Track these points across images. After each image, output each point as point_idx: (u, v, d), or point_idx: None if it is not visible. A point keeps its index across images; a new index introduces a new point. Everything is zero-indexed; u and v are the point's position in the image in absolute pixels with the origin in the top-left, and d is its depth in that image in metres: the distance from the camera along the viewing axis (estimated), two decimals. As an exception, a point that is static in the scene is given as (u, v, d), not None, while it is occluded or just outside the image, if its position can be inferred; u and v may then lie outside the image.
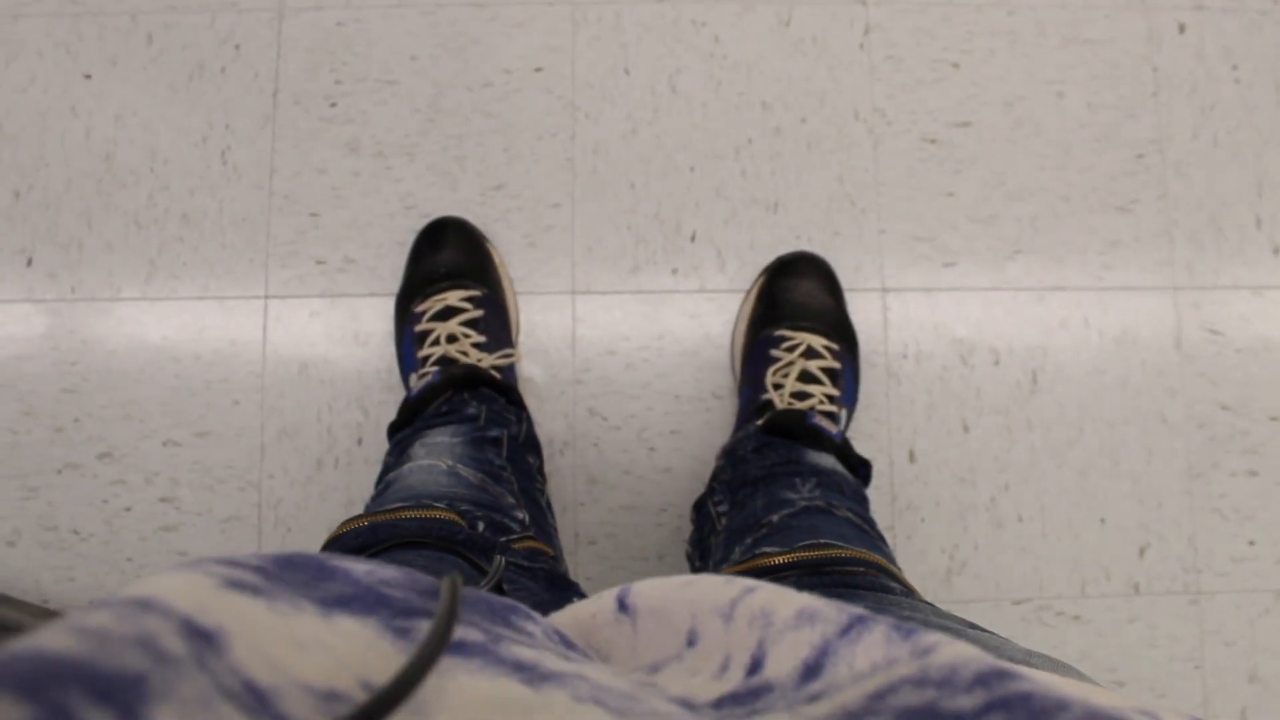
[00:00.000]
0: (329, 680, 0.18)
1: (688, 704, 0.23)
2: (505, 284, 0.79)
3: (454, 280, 0.74)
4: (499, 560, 0.36)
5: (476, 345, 0.72)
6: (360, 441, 0.80)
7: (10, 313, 0.80)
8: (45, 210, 0.81)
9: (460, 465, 0.58)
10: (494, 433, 0.64)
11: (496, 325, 0.74)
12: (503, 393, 0.70)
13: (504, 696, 0.20)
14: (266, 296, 0.81)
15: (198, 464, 0.79)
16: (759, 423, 0.68)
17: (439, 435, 0.62)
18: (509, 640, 0.23)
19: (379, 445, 0.79)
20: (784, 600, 0.24)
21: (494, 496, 0.56)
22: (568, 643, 0.27)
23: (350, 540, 0.45)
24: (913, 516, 0.81)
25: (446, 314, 0.73)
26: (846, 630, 0.22)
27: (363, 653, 0.20)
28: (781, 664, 0.23)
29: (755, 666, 0.24)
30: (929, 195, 0.83)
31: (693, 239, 0.82)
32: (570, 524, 0.79)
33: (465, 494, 0.54)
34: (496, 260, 0.79)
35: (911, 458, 0.81)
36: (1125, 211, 0.84)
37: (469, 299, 0.73)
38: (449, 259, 0.76)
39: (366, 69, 0.83)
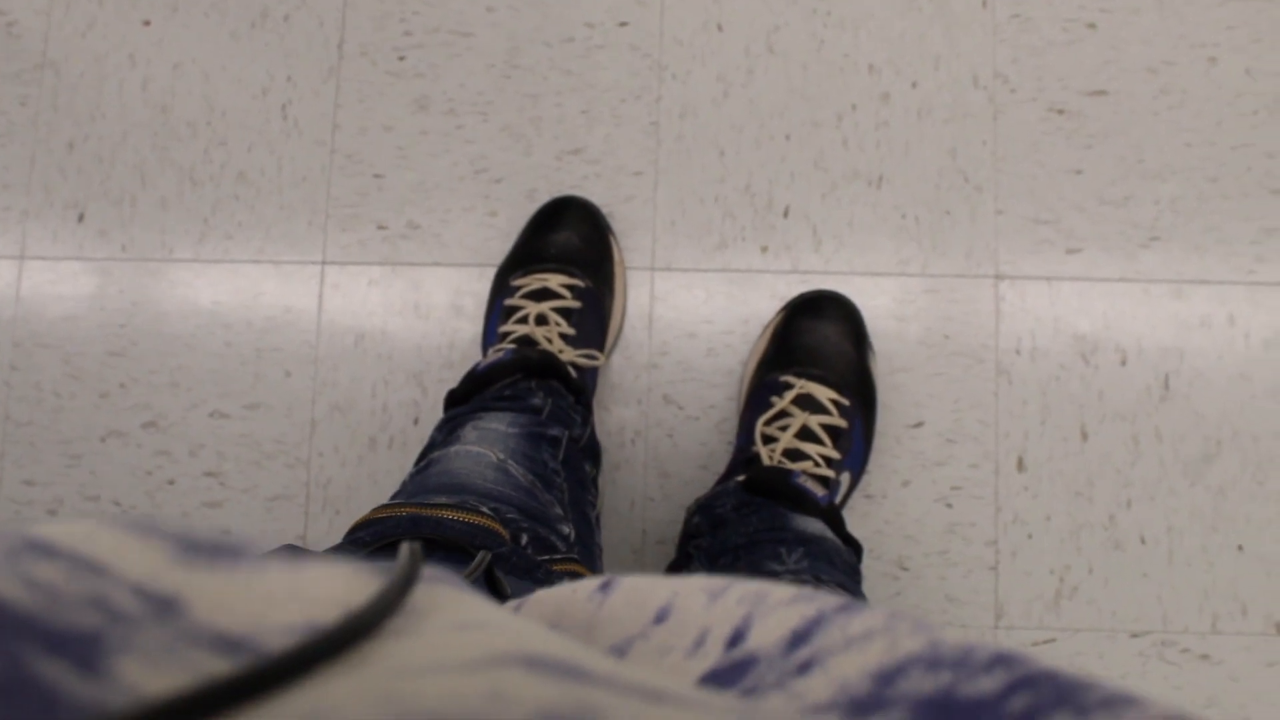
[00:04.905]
0: (309, 618, 0.17)
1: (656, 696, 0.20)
2: (618, 287, 0.73)
3: (561, 264, 0.69)
4: (482, 555, 0.36)
5: (563, 335, 0.67)
6: (416, 421, 0.74)
7: (60, 270, 0.76)
8: (99, 163, 0.77)
9: (511, 461, 0.55)
10: (554, 431, 0.60)
11: (591, 323, 0.69)
12: (574, 391, 0.65)
13: (489, 609, 0.20)
14: (324, 262, 0.75)
15: (245, 437, 0.74)
16: (740, 479, 0.63)
17: (495, 421, 0.58)
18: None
19: (437, 426, 0.73)
20: (780, 586, 0.23)
21: (542, 505, 0.53)
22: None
23: (389, 528, 0.43)
24: (1019, 532, 0.72)
25: (542, 295, 0.68)
26: (844, 608, 0.21)
27: (344, 587, 0.18)
28: (768, 633, 0.21)
29: (736, 638, 0.22)
30: (1054, 172, 0.74)
31: (786, 214, 0.74)
32: (639, 520, 0.73)
33: (513, 496, 0.51)
34: (616, 258, 0.73)
35: (1020, 466, 0.73)
36: (1283, 197, 0.73)
37: (570, 287, 0.68)
38: (563, 241, 0.71)
39: (439, 20, 0.77)
